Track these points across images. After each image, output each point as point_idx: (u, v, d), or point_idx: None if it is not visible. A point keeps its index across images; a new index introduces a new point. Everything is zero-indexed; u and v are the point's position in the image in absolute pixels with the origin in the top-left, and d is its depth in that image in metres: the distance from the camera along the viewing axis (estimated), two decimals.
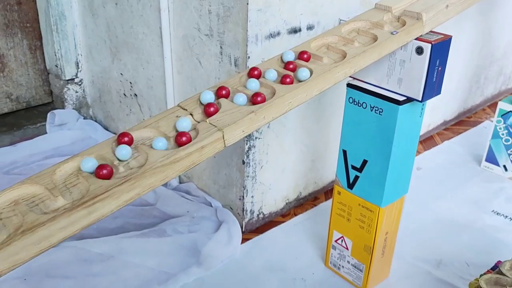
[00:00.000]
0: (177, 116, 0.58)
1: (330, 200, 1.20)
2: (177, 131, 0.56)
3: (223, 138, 0.55)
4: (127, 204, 0.50)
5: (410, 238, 1.06)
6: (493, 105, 1.71)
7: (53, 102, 1.47)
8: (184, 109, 0.59)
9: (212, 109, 0.57)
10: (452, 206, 1.19)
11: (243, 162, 1.01)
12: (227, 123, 0.55)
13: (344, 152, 0.87)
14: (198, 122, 0.57)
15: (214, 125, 0.55)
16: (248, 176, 1.03)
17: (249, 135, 0.99)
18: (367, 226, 0.89)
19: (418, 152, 1.39)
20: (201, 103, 0.60)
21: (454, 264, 1.00)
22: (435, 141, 1.49)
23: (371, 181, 0.85)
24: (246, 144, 0.99)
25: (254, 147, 1.01)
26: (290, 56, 0.68)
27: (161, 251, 1.01)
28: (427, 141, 1.48)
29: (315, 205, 1.19)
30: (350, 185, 0.89)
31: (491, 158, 1.31)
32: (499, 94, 1.75)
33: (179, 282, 0.94)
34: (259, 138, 1.01)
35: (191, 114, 0.58)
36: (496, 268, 0.84)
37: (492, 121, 1.43)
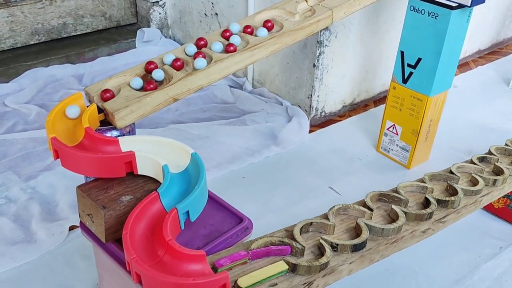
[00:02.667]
0: (296, 2, 0.81)
1: (379, 107, 1.43)
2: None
3: (332, 15, 0.78)
4: (267, 56, 0.74)
5: (448, 134, 1.29)
6: None
7: (138, 22, 1.71)
8: None
9: None
10: (483, 114, 1.41)
11: (314, 65, 1.24)
12: (334, 6, 0.78)
13: (402, 52, 1.09)
14: (312, 6, 0.80)
15: (325, 7, 0.78)
16: (316, 78, 1.26)
17: (321, 42, 1.21)
18: (416, 113, 1.12)
19: (455, 74, 1.60)
20: None
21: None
22: (470, 66, 1.69)
23: (423, 75, 1.07)
24: (318, 50, 1.22)
25: (324, 53, 1.23)
26: None
27: (244, 135, 1.26)
28: (463, 66, 1.69)
29: (366, 110, 1.42)
30: (405, 80, 1.11)
31: None
32: None
33: (262, 155, 1.19)
34: (327, 46, 1.23)
35: (306, 1, 0.81)
36: None
37: None
